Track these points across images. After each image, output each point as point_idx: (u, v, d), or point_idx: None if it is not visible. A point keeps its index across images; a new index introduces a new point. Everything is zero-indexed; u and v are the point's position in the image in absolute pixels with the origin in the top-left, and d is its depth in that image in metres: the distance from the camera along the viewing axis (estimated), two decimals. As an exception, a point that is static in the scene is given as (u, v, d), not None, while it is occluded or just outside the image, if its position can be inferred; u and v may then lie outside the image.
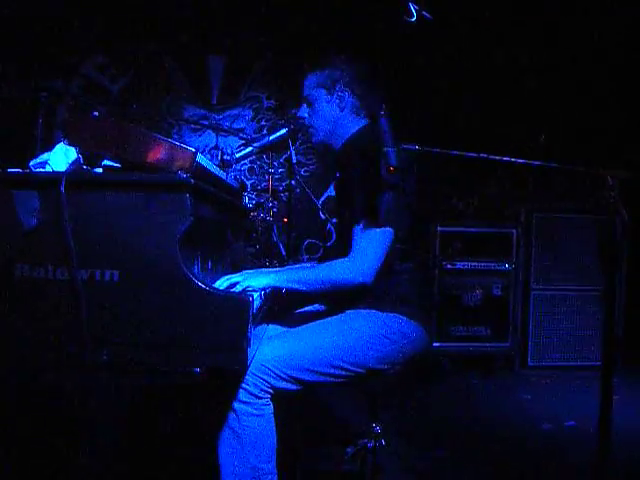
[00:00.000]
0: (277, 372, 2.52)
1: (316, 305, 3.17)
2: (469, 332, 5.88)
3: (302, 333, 2.71)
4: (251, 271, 2.87)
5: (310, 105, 3.00)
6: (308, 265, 3.35)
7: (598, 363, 5.44)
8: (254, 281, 2.62)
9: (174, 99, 7.31)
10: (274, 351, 2.55)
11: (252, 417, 2.49)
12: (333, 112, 2.94)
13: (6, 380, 2.29)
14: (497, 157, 2.37)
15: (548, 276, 5.96)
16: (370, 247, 2.62)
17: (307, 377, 2.59)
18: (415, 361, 2.81)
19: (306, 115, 3.02)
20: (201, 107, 7.37)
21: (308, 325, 2.76)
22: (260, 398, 2.50)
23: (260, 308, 2.64)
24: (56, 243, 2.18)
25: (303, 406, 3.73)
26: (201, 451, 3.21)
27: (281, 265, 4.65)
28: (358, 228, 2.64)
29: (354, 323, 2.70)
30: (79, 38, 6.82)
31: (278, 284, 2.68)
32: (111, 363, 2.18)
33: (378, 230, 2.62)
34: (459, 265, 5.92)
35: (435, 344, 5.65)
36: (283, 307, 3.16)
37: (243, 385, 2.48)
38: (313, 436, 2.96)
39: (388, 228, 2.63)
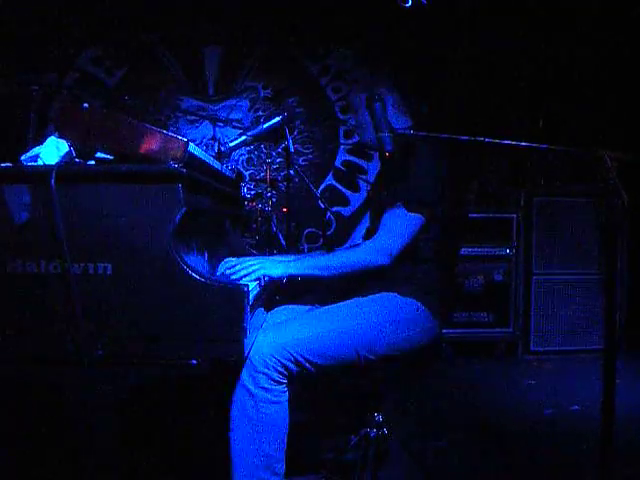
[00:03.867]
0: (296, 356, 2.51)
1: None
2: (471, 318, 5.86)
3: (317, 316, 2.71)
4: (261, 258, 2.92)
5: (356, 113, 3.08)
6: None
7: (601, 347, 5.42)
8: (270, 270, 2.66)
9: (170, 91, 7.28)
10: (295, 334, 2.55)
11: (270, 404, 2.48)
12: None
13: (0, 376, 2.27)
14: (495, 140, 2.35)
15: (550, 260, 5.93)
16: (396, 228, 2.69)
17: (324, 361, 2.57)
18: (424, 350, 2.80)
19: (353, 123, 3.13)
20: (198, 98, 7.35)
21: (323, 308, 2.76)
22: (280, 384, 2.49)
23: (258, 296, 2.62)
24: (48, 237, 2.16)
25: (306, 395, 3.73)
26: (204, 442, 3.20)
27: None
28: (391, 211, 2.71)
29: (367, 307, 2.71)
30: (74, 31, 6.79)
31: (296, 272, 2.71)
32: (106, 357, 2.16)
33: (409, 215, 2.68)
34: (460, 251, 5.88)
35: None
36: (285, 296, 3.15)
37: (264, 370, 2.45)
38: (315, 425, 2.95)
39: (419, 215, 2.69)
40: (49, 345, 2.18)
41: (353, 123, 3.19)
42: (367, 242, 2.74)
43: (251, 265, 2.68)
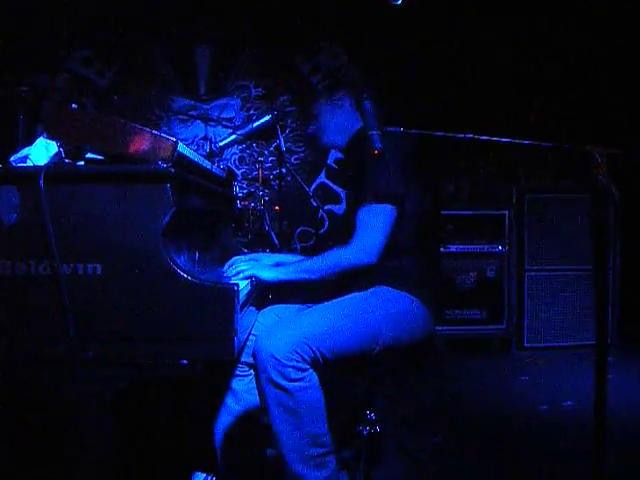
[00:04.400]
0: (315, 345, 2.53)
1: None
2: (464, 315, 5.88)
3: (325, 309, 2.73)
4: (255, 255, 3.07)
5: (316, 118, 3.20)
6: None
7: (594, 343, 5.44)
8: (261, 272, 2.74)
9: (162, 91, 7.26)
10: (310, 327, 2.58)
11: (305, 390, 2.50)
12: (333, 113, 3.15)
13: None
14: (485, 137, 2.35)
15: (542, 257, 5.94)
16: (373, 224, 2.73)
17: (335, 350, 2.60)
18: (419, 344, 2.83)
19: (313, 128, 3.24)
20: (189, 98, 7.33)
21: (330, 302, 2.78)
22: (306, 370, 2.51)
23: (250, 295, 2.63)
24: (37, 238, 2.15)
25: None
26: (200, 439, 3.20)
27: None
28: (363, 209, 2.75)
29: (371, 300, 2.75)
30: (64, 32, 6.77)
31: (285, 277, 2.77)
32: (97, 357, 2.16)
33: (379, 206, 2.72)
34: (452, 248, 5.91)
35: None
36: (278, 294, 3.18)
37: (290, 363, 2.47)
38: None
39: (388, 204, 2.72)
40: (39, 346, 2.18)
41: (311, 131, 3.24)
42: (351, 243, 2.75)
43: (242, 265, 2.74)
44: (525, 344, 5.94)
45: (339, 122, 3.13)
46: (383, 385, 3.17)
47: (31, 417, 2.73)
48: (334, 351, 2.59)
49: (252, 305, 2.78)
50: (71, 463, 2.32)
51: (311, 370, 2.53)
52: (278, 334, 2.53)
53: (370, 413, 3.03)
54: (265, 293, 3.16)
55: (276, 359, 2.46)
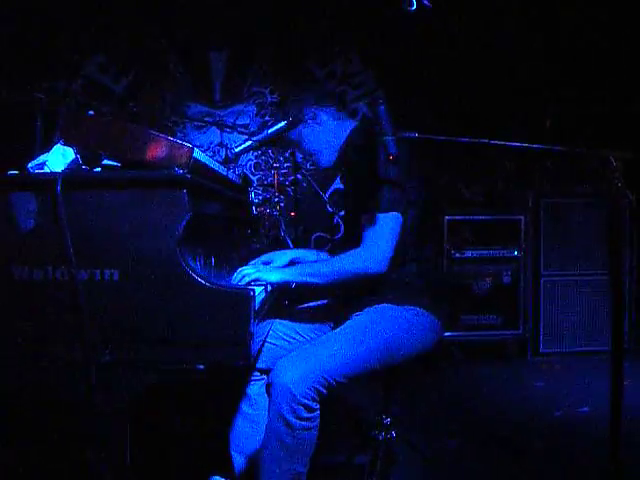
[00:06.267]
0: (330, 380, 2.52)
1: (323, 301, 3.20)
2: (480, 321, 5.86)
3: (340, 337, 2.70)
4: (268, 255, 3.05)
5: (298, 145, 3.13)
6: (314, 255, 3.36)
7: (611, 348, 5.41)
8: (266, 275, 2.68)
9: (177, 97, 7.29)
10: (325, 362, 2.55)
11: (308, 430, 2.51)
12: (316, 134, 3.05)
13: (9, 382, 2.28)
14: (501, 142, 2.35)
15: (558, 262, 5.92)
16: (380, 234, 2.68)
17: (351, 378, 2.61)
18: (430, 350, 2.85)
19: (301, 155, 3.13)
20: (204, 104, 7.35)
21: (341, 330, 2.75)
22: (316, 410, 2.52)
23: (265, 302, 2.64)
24: (54, 244, 2.17)
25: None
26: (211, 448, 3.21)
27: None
28: (366, 218, 2.70)
29: (381, 325, 2.72)
30: (80, 39, 6.80)
31: (291, 278, 2.73)
32: (113, 362, 2.17)
33: (384, 215, 2.67)
34: (468, 254, 5.89)
35: (446, 333, 5.61)
36: (293, 300, 3.17)
37: (304, 401, 2.46)
38: (324, 428, 2.93)
39: (394, 212, 2.68)
40: (56, 350, 2.20)
41: (301, 157, 3.19)
42: (360, 249, 2.72)
43: (247, 269, 2.70)
44: (541, 349, 5.92)
45: (326, 140, 3.05)
46: (398, 390, 3.16)
47: (47, 420, 2.75)
48: (350, 378, 2.59)
49: (268, 311, 2.79)
50: (87, 467, 2.33)
51: (319, 411, 2.53)
52: (296, 367, 2.51)
53: (386, 418, 3.04)
54: (281, 299, 3.16)
55: (292, 394, 2.45)
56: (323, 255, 3.25)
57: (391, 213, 2.68)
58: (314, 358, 2.56)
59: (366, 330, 2.70)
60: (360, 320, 2.77)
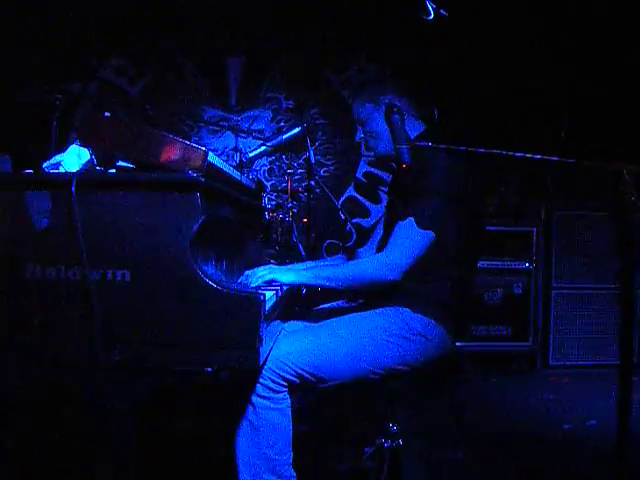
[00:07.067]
0: (293, 367, 2.53)
1: (339, 302, 3.19)
2: (490, 331, 5.85)
3: (321, 329, 2.72)
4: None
5: (363, 124, 2.99)
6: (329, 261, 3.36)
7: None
8: (280, 275, 2.66)
9: (193, 101, 7.31)
10: (290, 347, 2.57)
11: (270, 410, 2.52)
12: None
13: (19, 380, 2.29)
14: (514, 153, 2.34)
15: (569, 274, 5.91)
16: (406, 244, 2.65)
17: (323, 374, 2.59)
18: (435, 363, 2.80)
19: (362, 136, 3.03)
20: (220, 108, 7.37)
21: (328, 321, 2.77)
22: (277, 392, 2.53)
23: (275, 306, 2.64)
24: (68, 244, 2.19)
25: (320, 405, 3.73)
26: (215, 447, 3.21)
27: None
28: (401, 224, 2.68)
29: (374, 321, 2.71)
30: (97, 41, 6.83)
31: (306, 281, 2.72)
32: (123, 363, 2.18)
33: (419, 231, 2.64)
34: (479, 264, 5.83)
35: (456, 344, 5.61)
36: (304, 305, 3.16)
37: (261, 380, 2.50)
38: (330, 436, 2.95)
39: (429, 232, 2.65)
40: (66, 349, 2.21)
41: (361, 136, 3.07)
42: (378, 256, 2.73)
43: (261, 271, 2.69)
44: (550, 361, 5.91)
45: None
46: (404, 399, 3.15)
47: (57, 419, 2.76)
48: (320, 375, 2.58)
49: (278, 316, 2.79)
50: (93, 468, 2.34)
51: (283, 395, 2.54)
52: (278, 348, 2.54)
53: (392, 426, 3.03)
54: (292, 304, 3.16)
55: (261, 373, 2.49)
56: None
57: (426, 231, 2.64)
58: (287, 343, 2.59)
59: (355, 325, 2.70)
60: (351, 315, 2.77)
